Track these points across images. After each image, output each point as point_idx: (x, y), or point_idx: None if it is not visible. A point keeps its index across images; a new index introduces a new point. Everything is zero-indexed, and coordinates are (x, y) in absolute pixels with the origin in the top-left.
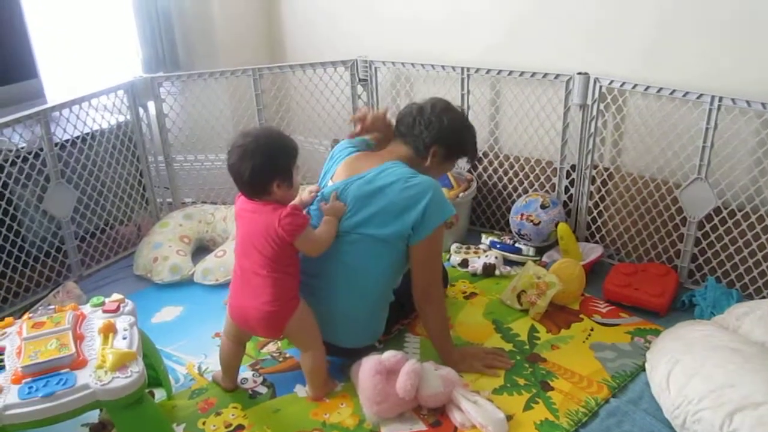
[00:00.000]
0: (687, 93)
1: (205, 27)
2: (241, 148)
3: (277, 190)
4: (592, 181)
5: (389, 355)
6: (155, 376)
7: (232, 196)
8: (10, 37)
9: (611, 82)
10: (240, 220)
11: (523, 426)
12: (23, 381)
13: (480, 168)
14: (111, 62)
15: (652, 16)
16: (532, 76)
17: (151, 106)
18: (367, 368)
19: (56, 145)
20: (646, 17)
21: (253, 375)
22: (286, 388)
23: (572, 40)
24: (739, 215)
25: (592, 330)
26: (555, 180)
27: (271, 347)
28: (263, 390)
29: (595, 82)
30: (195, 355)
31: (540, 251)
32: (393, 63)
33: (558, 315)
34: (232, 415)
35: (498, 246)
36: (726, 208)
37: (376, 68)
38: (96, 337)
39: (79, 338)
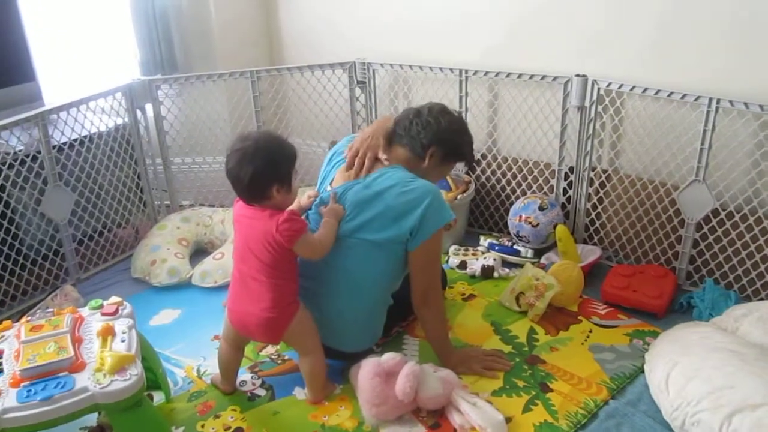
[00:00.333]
0: (685, 95)
1: (202, 29)
2: (240, 151)
3: (276, 194)
4: (591, 183)
5: (388, 358)
6: (154, 379)
7: (230, 199)
8: (8, 40)
9: (609, 84)
10: (238, 225)
11: (522, 428)
12: (22, 384)
13: (478, 170)
14: (109, 65)
15: (651, 18)
16: (530, 78)
17: (148, 108)
18: (366, 370)
19: (54, 147)
20: (645, 19)
21: (252, 377)
22: (285, 391)
23: (570, 42)
24: (737, 217)
25: (590, 332)
26: (553, 182)
27: (270, 349)
28: (262, 392)
29: (593, 84)
30: (193, 357)
31: (538, 253)
32: (391, 65)
33: (557, 317)
34: (231, 417)
35: (496, 248)
36: (724, 210)
37: (374, 70)
38: (94, 340)
39: (77, 341)
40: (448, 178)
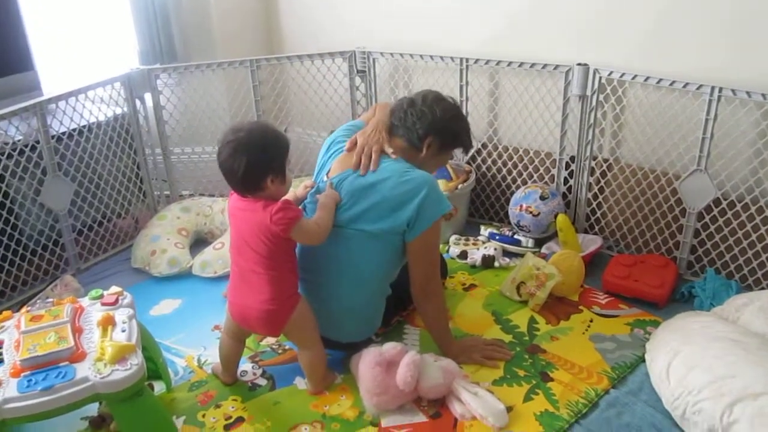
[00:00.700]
0: (687, 84)
1: (202, 18)
2: (233, 143)
3: (270, 185)
4: (592, 172)
5: (389, 347)
6: (154, 368)
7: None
8: (6, 29)
9: (611, 72)
10: (233, 218)
11: (523, 417)
12: (22, 374)
13: (479, 159)
14: (107, 54)
15: (653, 6)
16: (531, 66)
17: (148, 98)
18: (367, 360)
19: (53, 137)
20: (647, 7)
21: (252, 367)
22: (285, 381)
23: (572, 30)
24: (738, 206)
25: (591, 321)
26: (554, 171)
27: (271, 339)
28: (263, 382)
29: (594, 73)
30: (194, 347)
31: (539, 243)
32: (391, 54)
33: (557, 306)
34: (232, 407)
35: (497, 237)
36: (725, 200)
37: (374, 59)
38: (95, 329)
39: (77, 331)
40: (449, 167)
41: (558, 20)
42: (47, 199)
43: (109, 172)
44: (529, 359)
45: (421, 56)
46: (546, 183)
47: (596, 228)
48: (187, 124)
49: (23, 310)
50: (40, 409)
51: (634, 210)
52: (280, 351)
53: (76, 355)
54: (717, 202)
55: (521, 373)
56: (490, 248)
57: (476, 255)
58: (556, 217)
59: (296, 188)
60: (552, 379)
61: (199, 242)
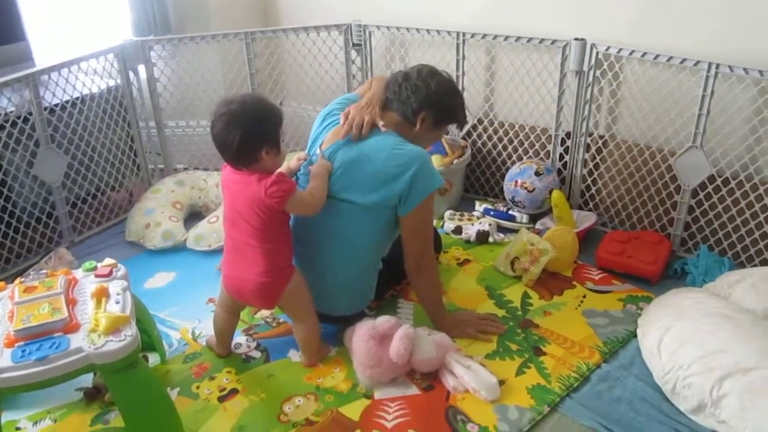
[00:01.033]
0: (684, 60)
1: None
2: (227, 115)
3: (265, 157)
4: (587, 148)
5: (383, 321)
6: (149, 340)
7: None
8: None
9: (608, 48)
10: (226, 191)
11: (515, 390)
12: (16, 345)
13: (474, 135)
14: (100, 25)
15: None
16: (528, 41)
17: (141, 70)
18: (361, 333)
19: (45, 109)
20: None
21: (246, 340)
22: (279, 353)
23: (569, 4)
24: (733, 183)
25: (584, 297)
26: (550, 147)
27: (265, 312)
28: (257, 355)
29: (591, 48)
30: (188, 320)
31: (534, 218)
32: (387, 27)
33: (551, 282)
34: (226, 379)
35: (492, 213)
36: (720, 177)
37: (370, 33)
38: (89, 301)
39: (71, 302)
40: (445, 142)
41: None
42: (40, 172)
43: (103, 145)
44: (521, 334)
45: (417, 30)
46: (541, 159)
47: (591, 204)
48: (181, 97)
49: (17, 281)
50: (34, 379)
51: (629, 186)
52: (274, 324)
53: (70, 326)
54: (712, 179)
55: (514, 347)
56: (485, 223)
57: (471, 230)
58: (550, 193)
59: (290, 161)
60: (544, 354)
61: (193, 216)
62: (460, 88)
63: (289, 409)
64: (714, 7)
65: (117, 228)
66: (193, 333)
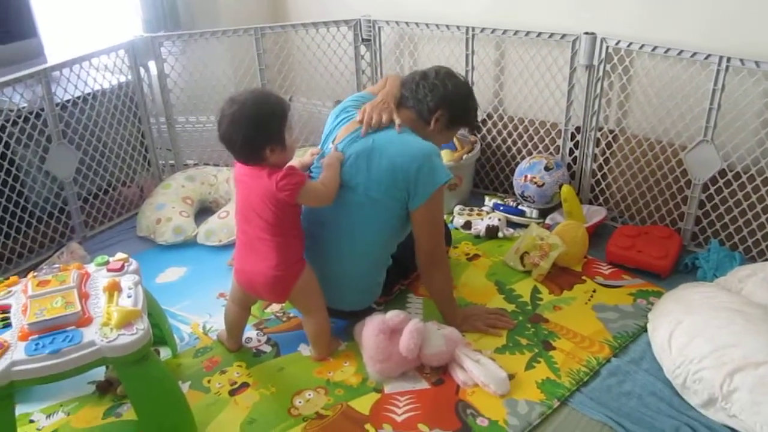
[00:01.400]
0: (695, 53)
1: None
2: (229, 117)
3: (270, 155)
4: (597, 143)
5: (392, 315)
6: (160, 335)
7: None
8: None
9: (618, 42)
10: (239, 185)
11: (524, 384)
12: (30, 338)
13: (484, 129)
14: (111, 21)
15: None
16: (537, 36)
17: (152, 66)
18: (371, 327)
19: (57, 105)
20: None
21: (257, 334)
22: (290, 347)
23: None
24: (744, 177)
25: (594, 291)
26: (559, 142)
27: (275, 307)
28: (267, 349)
29: (601, 42)
30: (199, 314)
31: (543, 213)
32: (397, 22)
33: (561, 276)
34: (237, 373)
35: (501, 208)
36: (731, 171)
37: (379, 28)
38: (101, 295)
39: (84, 296)
40: (455, 137)
41: None
42: (52, 167)
43: (114, 141)
44: (531, 328)
45: (426, 25)
46: (551, 154)
47: (601, 199)
48: (192, 93)
49: (30, 275)
50: (47, 372)
51: (639, 181)
52: (284, 319)
53: (83, 320)
54: (722, 173)
55: (523, 341)
56: (494, 218)
57: (480, 225)
58: (560, 187)
59: (303, 156)
60: (554, 348)
61: (204, 211)
62: (469, 82)
63: (300, 402)
64: (724, 1)
65: (128, 223)
66: (204, 327)
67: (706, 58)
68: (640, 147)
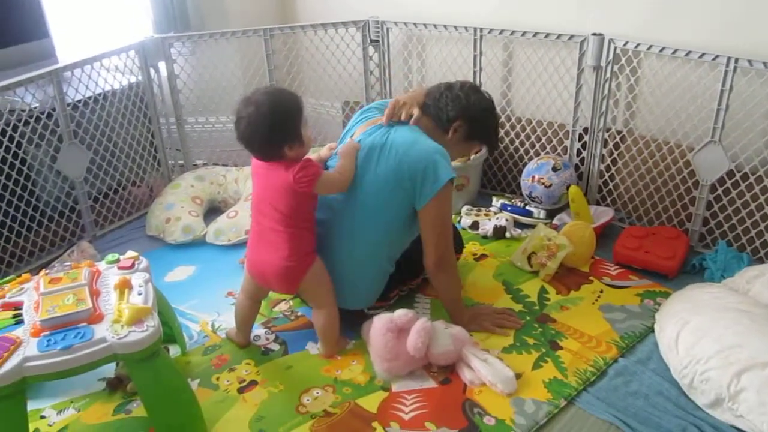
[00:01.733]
0: (703, 54)
1: None
2: (246, 119)
3: (289, 152)
4: (605, 144)
5: (400, 314)
6: (170, 333)
7: (243, 158)
8: None
9: (626, 43)
10: (256, 177)
11: (531, 384)
12: (42, 334)
13: None
14: (122, 22)
15: None
16: (545, 37)
17: (162, 67)
18: (378, 326)
19: (68, 105)
20: None
21: (265, 332)
22: (298, 346)
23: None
24: (752, 178)
25: (601, 292)
26: (567, 143)
27: (283, 306)
28: (276, 347)
29: (609, 43)
30: (208, 313)
31: (551, 214)
32: (405, 24)
33: (568, 277)
34: (246, 371)
35: (509, 208)
36: (739, 172)
37: (388, 29)
38: (111, 292)
39: (95, 294)
40: None
41: None
42: (63, 167)
43: (124, 141)
44: (538, 328)
45: (434, 26)
46: (559, 154)
47: (608, 200)
48: (201, 94)
49: (42, 272)
50: (59, 367)
51: (647, 182)
52: (292, 317)
53: (94, 317)
54: (730, 174)
55: (531, 341)
56: (502, 219)
57: (488, 225)
58: (568, 188)
59: (320, 150)
60: (561, 348)
61: (213, 210)
62: (477, 83)
63: (308, 400)
64: (732, 1)
65: (138, 222)
66: (212, 325)
67: (714, 59)
68: (647, 148)
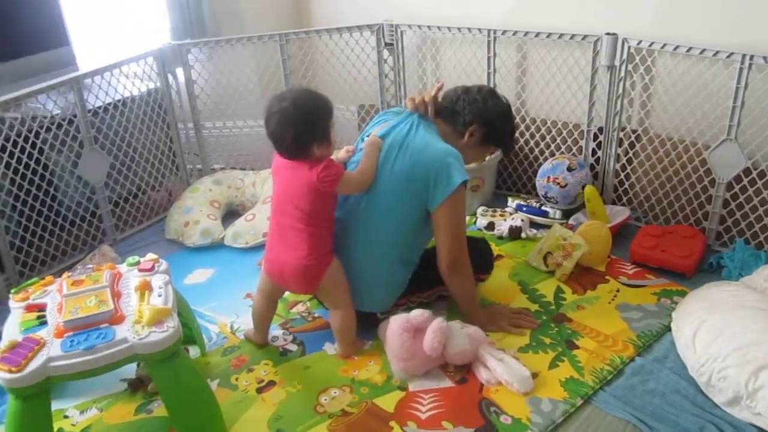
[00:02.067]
0: (717, 52)
1: None
2: (279, 113)
3: (317, 150)
4: (620, 143)
5: (417, 314)
6: (189, 334)
7: (261, 162)
8: (43, 6)
9: (640, 42)
10: (277, 176)
11: (548, 383)
12: (65, 335)
13: None
14: (140, 30)
15: None
16: (559, 37)
17: (179, 73)
18: (395, 326)
19: (89, 111)
20: None
21: (283, 333)
22: (315, 346)
23: None
24: None
25: (618, 291)
26: (582, 142)
27: (300, 307)
28: (293, 348)
29: (623, 43)
30: (227, 314)
31: (566, 214)
32: (419, 26)
33: (584, 276)
34: (264, 371)
35: (524, 209)
36: (755, 169)
37: (402, 32)
38: (132, 294)
39: (116, 295)
40: None
41: None
42: (84, 172)
43: (143, 146)
44: (555, 327)
45: (448, 28)
46: (574, 154)
47: (624, 199)
48: (218, 99)
49: (65, 275)
50: (82, 367)
51: (663, 181)
52: (309, 318)
53: (116, 318)
54: (747, 171)
55: (547, 340)
56: (518, 219)
57: (503, 226)
58: (583, 188)
59: (338, 152)
60: (577, 347)
61: (230, 214)
62: (491, 85)
63: (325, 400)
64: None
65: (157, 226)
66: (231, 327)
67: (728, 56)
68: (663, 146)
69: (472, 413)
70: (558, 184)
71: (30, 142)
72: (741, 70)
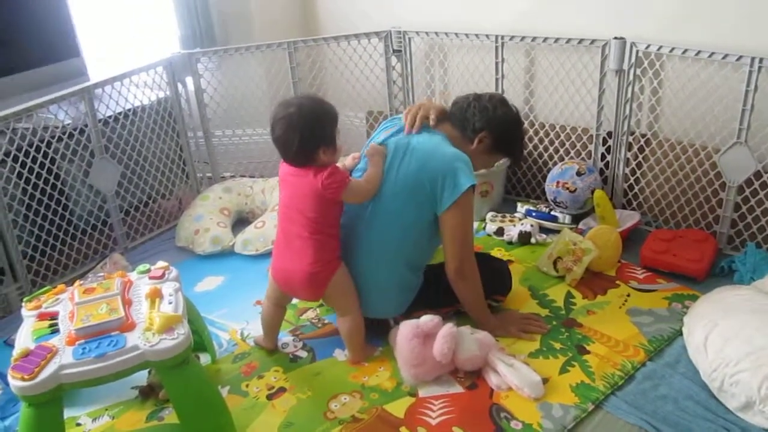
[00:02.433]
0: (726, 55)
1: (239, 2)
2: (285, 119)
3: (323, 156)
4: (629, 147)
5: (426, 320)
6: (200, 341)
7: (270, 170)
8: (54, 18)
9: (648, 46)
10: (284, 184)
11: (559, 388)
12: (77, 343)
13: None
14: (150, 39)
15: None
16: (567, 42)
17: (189, 81)
18: (405, 332)
19: (100, 121)
20: None
21: (293, 340)
22: (325, 353)
23: (607, 4)
24: None
25: (628, 296)
26: (591, 147)
27: (310, 314)
28: (303, 354)
29: (631, 47)
30: (237, 321)
31: (576, 219)
32: (427, 33)
33: (594, 281)
34: (274, 378)
35: (534, 214)
36: (766, 172)
37: (410, 39)
38: (143, 301)
39: (127, 303)
40: None
41: None
42: (95, 181)
43: (154, 155)
44: (565, 332)
45: (456, 34)
46: (583, 159)
47: (634, 203)
48: (228, 107)
49: (76, 283)
50: (93, 374)
51: (673, 185)
52: (319, 325)
53: (127, 325)
54: (758, 175)
55: (557, 345)
56: (527, 225)
57: (513, 231)
58: (593, 192)
59: (345, 159)
60: (588, 352)
61: (240, 221)
62: (499, 90)
63: (336, 406)
64: (755, 1)
65: (167, 234)
66: (241, 334)
67: (738, 59)
68: (672, 150)
69: (482, 419)
70: (567, 188)
71: (42, 151)
72: (750, 73)
